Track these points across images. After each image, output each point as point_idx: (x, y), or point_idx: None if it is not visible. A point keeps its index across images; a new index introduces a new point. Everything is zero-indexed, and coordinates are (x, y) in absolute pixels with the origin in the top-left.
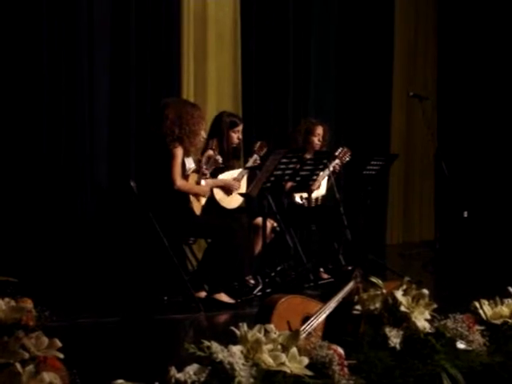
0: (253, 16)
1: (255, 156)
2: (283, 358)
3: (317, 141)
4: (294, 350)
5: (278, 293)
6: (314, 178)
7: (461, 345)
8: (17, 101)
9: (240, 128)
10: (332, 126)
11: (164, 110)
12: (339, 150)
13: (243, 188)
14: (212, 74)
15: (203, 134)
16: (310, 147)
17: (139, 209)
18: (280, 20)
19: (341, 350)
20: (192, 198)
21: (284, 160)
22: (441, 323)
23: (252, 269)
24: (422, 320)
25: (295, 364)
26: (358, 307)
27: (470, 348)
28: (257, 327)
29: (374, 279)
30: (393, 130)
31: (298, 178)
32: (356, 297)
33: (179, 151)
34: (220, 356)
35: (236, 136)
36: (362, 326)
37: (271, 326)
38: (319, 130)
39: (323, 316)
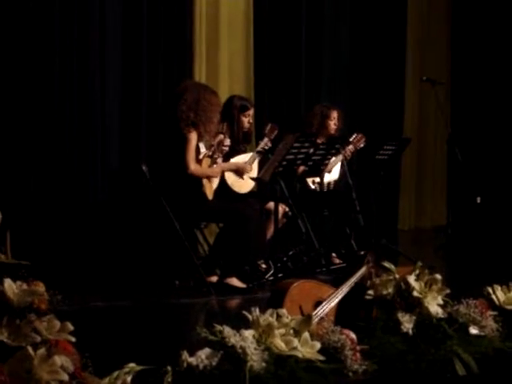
0: (265, 0)
1: (266, 139)
2: (295, 342)
3: (333, 124)
4: (306, 334)
5: (289, 277)
6: (326, 162)
7: (473, 330)
8: (28, 86)
9: (251, 112)
10: (345, 110)
11: (183, 93)
12: (354, 136)
13: (255, 172)
14: (224, 58)
15: (217, 122)
16: (325, 131)
17: (151, 192)
18: (293, 4)
19: (353, 335)
20: (204, 182)
21: (296, 144)
22: (453, 308)
23: (264, 253)
24: (434, 305)
25: (307, 349)
26: (371, 292)
27: (483, 333)
28: (269, 312)
29: (386, 264)
30: (406, 115)
31: (309, 163)
32: (368, 282)
33: (193, 136)
34: (232, 340)
35: (247, 120)
36: (375, 311)
37: (283, 311)
38: (335, 115)
39: (335, 301)
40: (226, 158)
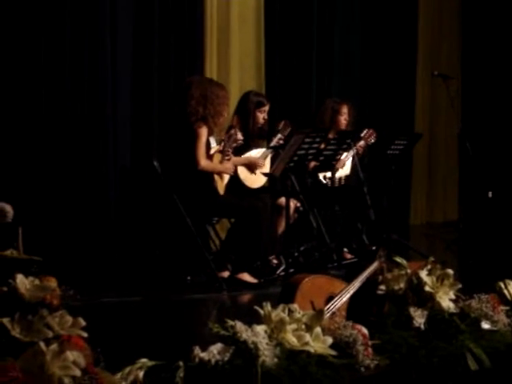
0: None
1: (279, 135)
2: (307, 337)
3: (343, 120)
4: (317, 329)
5: (301, 273)
6: (338, 157)
7: (485, 325)
8: (40, 85)
9: (266, 108)
10: (356, 105)
11: (189, 88)
12: (365, 132)
13: (267, 168)
14: (235, 54)
15: (226, 115)
16: (336, 126)
17: (162, 188)
18: None
19: (365, 330)
20: (216, 178)
21: (307, 140)
22: (465, 303)
23: (275, 249)
24: (446, 300)
25: (319, 344)
26: (383, 287)
27: (495, 328)
28: (281, 307)
29: (398, 259)
30: (417, 110)
31: (321, 158)
32: (380, 277)
33: (204, 131)
34: (244, 335)
35: (262, 116)
36: (387, 306)
37: (295, 306)
38: (345, 109)
39: (347, 296)
40: (239, 152)
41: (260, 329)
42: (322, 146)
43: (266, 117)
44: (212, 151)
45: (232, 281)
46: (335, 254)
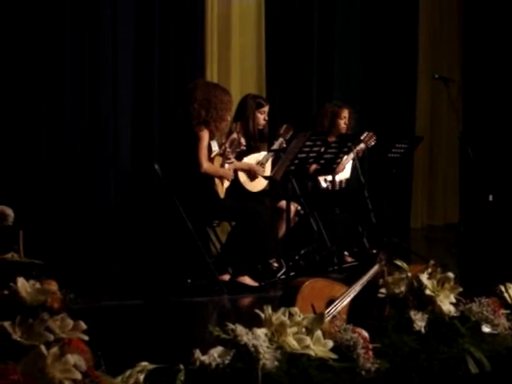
0: None
1: (281, 139)
2: (308, 341)
3: (343, 124)
4: (318, 333)
5: (301, 276)
6: (338, 161)
7: (486, 328)
8: (40, 88)
9: (266, 109)
10: (357, 108)
11: (193, 91)
12: (365, 134)
13: (268, 171)
14: (236, 57)
15: (229, 120)
16: (335, 130)
17: (163, 191)
18: (305, 3)
19: (365, 334)
20: (216, 181)
21: (308, 143)
22: (466, 307)
23: (276, 252)
24: (447, 303)
25: (320, 347)
26: (383, 290)
27: (496, 332)
28: (281, 310)
29: (398, 262)
30: (418, 113)
31: (322, 161)
32: (381, 280)
33: (205, 134)
34: (244, 339)
35: (262, 117)
36: (387, 310)
37: (296, 309)
38: (345, 113)
39: (348, 299)
40: (240, 157)
41: (260, 332)
42: (322, 149)
43: (266, 118)
44: (213, 155)
45: (232, 284)
46: (336, 258)
